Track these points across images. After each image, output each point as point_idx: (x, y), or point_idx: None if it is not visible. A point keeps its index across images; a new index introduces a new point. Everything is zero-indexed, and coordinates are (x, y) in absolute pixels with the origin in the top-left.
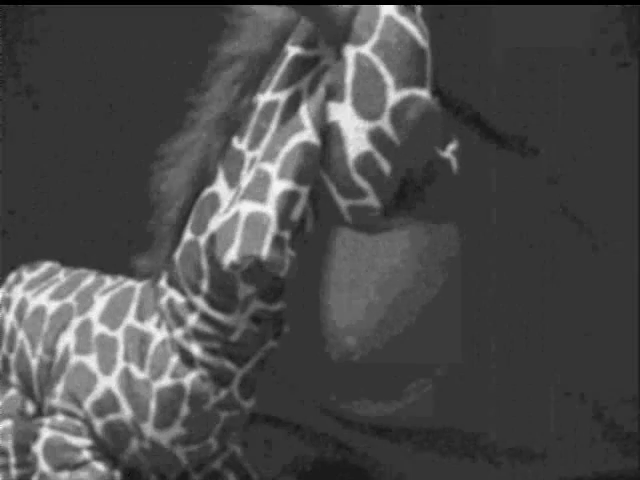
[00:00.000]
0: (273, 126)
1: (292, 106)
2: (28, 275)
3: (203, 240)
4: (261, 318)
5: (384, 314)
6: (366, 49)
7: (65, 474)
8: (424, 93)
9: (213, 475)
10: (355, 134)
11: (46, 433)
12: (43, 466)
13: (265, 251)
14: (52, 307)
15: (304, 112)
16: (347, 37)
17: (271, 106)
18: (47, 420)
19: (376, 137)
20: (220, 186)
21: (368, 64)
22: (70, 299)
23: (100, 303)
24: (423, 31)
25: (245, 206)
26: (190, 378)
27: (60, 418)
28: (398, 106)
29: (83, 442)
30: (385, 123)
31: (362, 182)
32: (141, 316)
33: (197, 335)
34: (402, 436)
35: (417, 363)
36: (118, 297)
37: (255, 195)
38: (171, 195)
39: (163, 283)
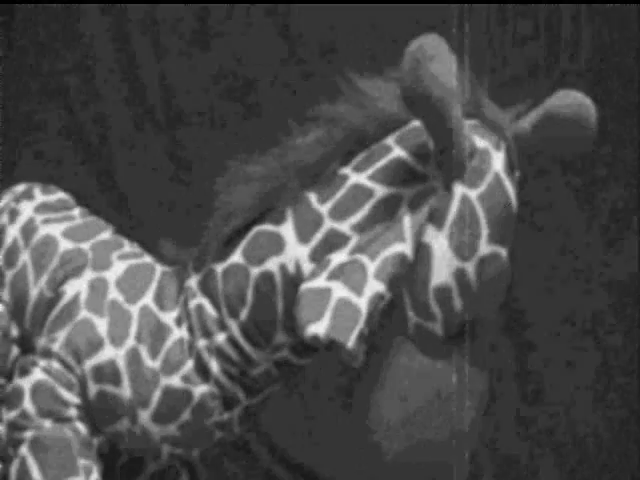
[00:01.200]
0: (364, 212)
1: (390, 207)
2: (41, 196)
3: (256, 272)
4: (284, 366)
5: (418, 431)
6: (473, 195)
7: (48, 423)
8: (505, 253)
9: (168, 467)
10: (442, 265)
11: (38, 374)
12: (27, 404)
13: (351, 342)
14: (65, 245)
15: (407, 224)
16: (460, 175)
17: (365, 191)
18: (42, 362)
19: (459, 276)
20: (287, 232)
21: (471, 210)
22: (85, 246)
23: (118, 267)
24: (516, 195)
25: (339, 288)
26: (201, 390)
27: (56, 366)
28: (485, 258)
29: (73, 398)
30: (470, 268)
31: (436, 308)
32: (161, 303)
33: (220, 354)
34: None
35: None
36: (137, 270)
37: (351, 284)
38: (231, 212)
39: (193, 284)
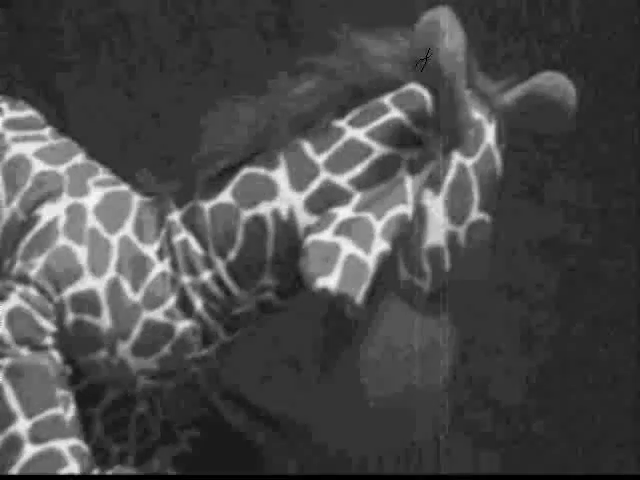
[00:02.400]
0: (362, 167)
1: (388, 166)
2: (9, 112)
3: (247, 215)
4: (265, 307)
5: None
6: (469, 164)
7: (25, 350)
8: (489, 219)
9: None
10: (437, 227)
11: (15, 300)
12: (3, 330)
13: (360, 297)
14: (38, 166)
15: (410, 187)
16: (459, 144)
17: (363, 147)
18: (19, 287)
19: (451, 239)
20: (280, 177)
21: (466, 178)
22: (61, 169)
23: (96, 194)
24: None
25: (347, 244)
26: (183, 326)
27: (33, 292)
28: (474, 223)
29: (49, 326)
30: (461, 231)
31: (427, 267)
32: (140, 235)
33: (205, 292)
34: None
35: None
36: (115, 198)
37: (359, 241)
38: (221, 150)
39: (176, 218)
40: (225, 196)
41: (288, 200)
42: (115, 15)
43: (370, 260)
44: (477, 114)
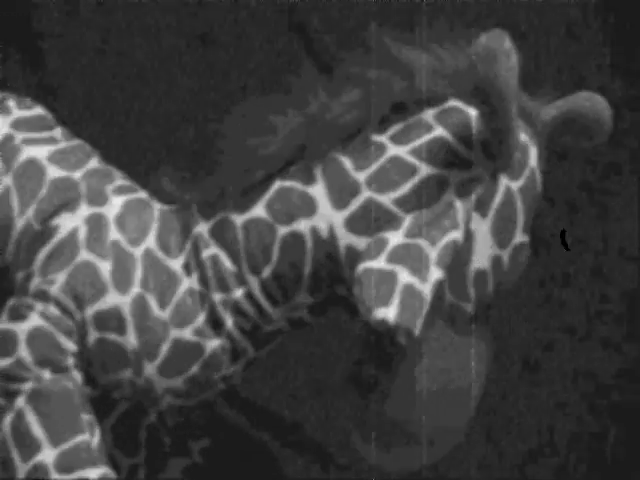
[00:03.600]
0: (408, 188)
1: (435, 188)
2: (17, 110)
3: (284, 232)
4: (297, 324)
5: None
6: (514, 187)
7: (48, 373)
8: (528, 240)
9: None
10: (483, 251)
11: (35, 320)
12: (23, 352)
13: (417, 330)
14: (53, 172)
15: (461, 212)
16: (507, 167)
17: (408, 167)
18: (39, 305)
19: (496, 263)
20: (319, 194)
21: (512, 201)
22: (77, 175)
23: (116, 202)
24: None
25: (404, 273)
26: (213, 345)
27: (54, 311)
28: (518, 246)
29: (71, 346)
30: (506, 255)
31: (471, 290)
32: (165, 248)
33: (236, 309)
34: None
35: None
36: (136, 207)
37: (414, 269)
38: (254, 160)
39: (204, 231)
40: (259, 210)
41: (328, 218)
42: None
43: (426, 289)
44: (523, 135)
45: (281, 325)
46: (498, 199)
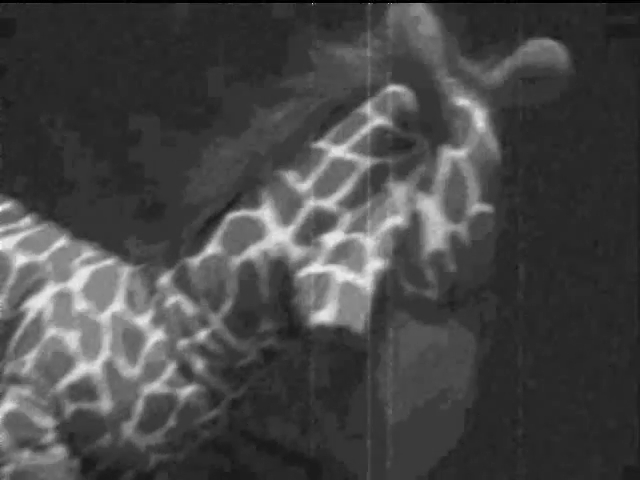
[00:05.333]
0: (350, 186)
1: (377, 178)
2: None
3: (237, 263)
4: (269, 353)
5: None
6: (461, 156)
7: (27, 453)
8: (491, 209)
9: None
10: (435, 230)
11: (9, 404)
12: (0, 437)
13: (361, 325)
14: (20, 260)
15: (400, 196)
16: (445, 138)
17: (348, 165)
18: (12, 389)
19: (452, 240)
20: (265, 216)
21: (460, 172)
22: (43, 257)
23: (82, 274)
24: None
25: (339, 272)
26: (186, 392)
27: (26, 392)
28: (476, 218)
29: (48, 422)
30: (462, 229)
31: (430, 275)
32: (133, 307)
33: (204, 352)
34: None
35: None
36: (103, 274)
37: (351, 265)
38: (203, 200)
39: (166, 282)
40: (213, 247)
41: (276, 237)
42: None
43: (367, 283)
44: (462, 101)
45: (253, 358)
46: (442, 172)
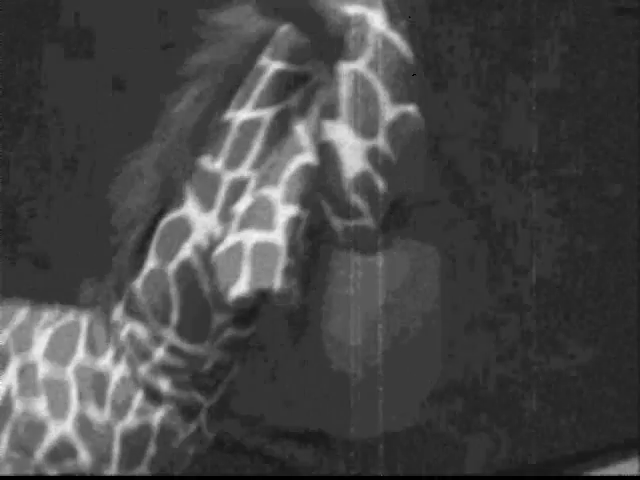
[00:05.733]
0: (258, 145)
1: (281, 124)
2: None
3: (173, 267)
4: (232, 345)
5: (385, 332)
6: (361, 66)
7: None
8: (414, 108)
9: None
10: (351, 153)
11: None
12: None
13: (278, 283)
14: None
15: (301, 132)
16: (340, 53)
17: (253, 124)
18: None
19: (373, 155)
20: (190, 209)
21: (363, 81)
22: (4, 336)
23: (41, 340)
24: (410, 45)
25: (249, 235)
26: (158, 416)
27: (8, 470)
28: (393, 123)
29: None
30: (381, 141)
31: (359, 202)
32: (93, 352)
33: (165, 369)
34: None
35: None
36: (62, 332)
37: (260, 223)
38: (132, 218)
39: (119, 314)
40: (151, 261)
41: (203, 227)
42: None
43: (278, 235)
44: (352, 8)
45: (217, 357)
46: (345, 90)
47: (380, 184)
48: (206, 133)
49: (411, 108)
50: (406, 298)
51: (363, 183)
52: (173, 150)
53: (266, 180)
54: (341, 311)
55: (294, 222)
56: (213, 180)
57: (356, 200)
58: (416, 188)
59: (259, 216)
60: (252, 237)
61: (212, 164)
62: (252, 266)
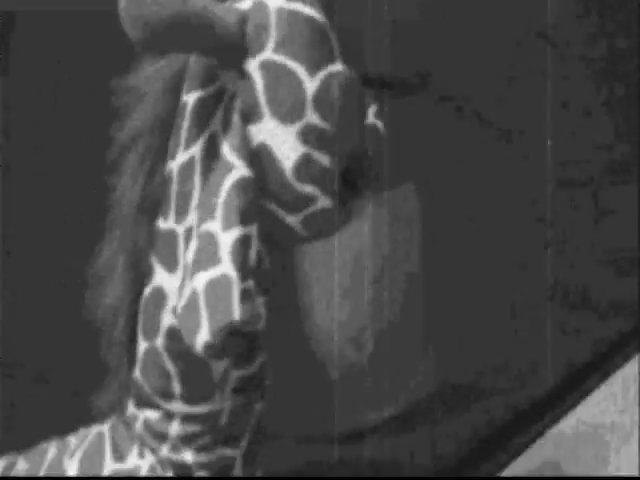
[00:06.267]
0: (197, 185)
1: (211, 153)
2: None
3: (161, 341)
4: (243, 387)
5: (369, 309)
6: (269, 52)
7: None
8: (337, 66)
9: None
10: (285, 144)
11: None
12: None
13: (237, 314)
14: (21, 465)
15: (227, 150)
16: (245, 50)
17: (188, 166)
18: None
19: (307, 135)
20: (159, 277)
21: (275, 67)
22: (42, 472)
23: (73, 466)
24: (318, 9)
25: (200, 279)
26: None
27: None
28: (318, 92)
29: None
30: (311, 116)
31: (307, 188)
32: (120, 456)
33: (185, 440)
34: None
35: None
36: (89, 450)
37: (207, 262)
38: (112, 313)
39: (132, 409)
40: (141, 344)
41: (174, 289)
42: None
43: (225, 265)
44: (244, 3)
45: (232, 405)
46: (259, 86)
47: (323, 159)
48: (155, 195)
49: (333, 67)
50: (377, 262)
51: (305, 167)
52: (129, 228)
53: (205, 213)
54: (320, 300)
55: (240, 243)
56: (170, 238)
57: (303, 188)
58: (361, 143)
59: (205, 255)
60: (203, 279)
61: (165, 223)
62: (208, 308)
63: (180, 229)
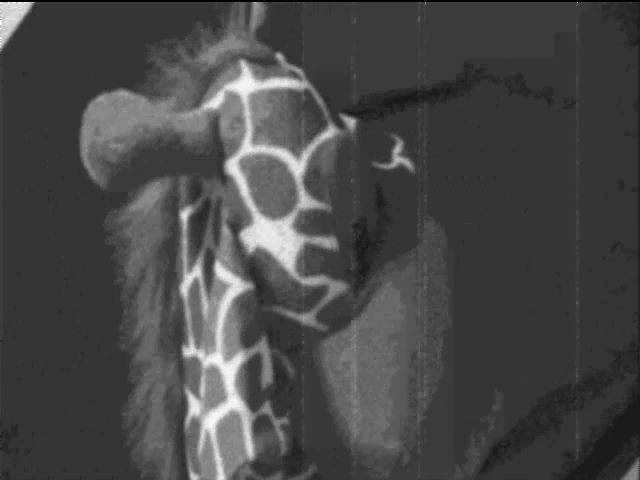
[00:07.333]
0: (206, 306)
1: (210, 272)
2: None
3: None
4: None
5: (408, 394)
6: (247, 147)
7: None
8: (327, 133)
9: None
10: (282, 240)
11: None
12: None
13: (250, 451)
14: None
15: (220, 270)
16: (222, 154)
17: (194, 287)
18: None
19: (304, 222)
20: (194, 408)
21: (256, 160)
22: None
23: None
24: (293, 73)
25: (210, 420)
26: None
27: None
28: (307, 171)
29: None
30: (304, 200)
31: (315, 280)
32: None
33: None
34: None
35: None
36: None
37: (215, 399)
38: (157, 455)
39: None
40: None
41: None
42: None
43: (232, 400)
44: (213, 102)
45: None
46: (243, 185)
47: (326, 243)
48: (175, 324)
49: (323, 135)
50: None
51: (308, 258)
52: (160, 365)
53: (208, 345)
54: (354, 400)
55: (245, 370)
56: (196, 366)
57: (311, 281)
58: (367, 208)
59: (213, 391)
60: (213, 420)
61: (188, 350)
62: (221, 449)
63: (202, 354)
